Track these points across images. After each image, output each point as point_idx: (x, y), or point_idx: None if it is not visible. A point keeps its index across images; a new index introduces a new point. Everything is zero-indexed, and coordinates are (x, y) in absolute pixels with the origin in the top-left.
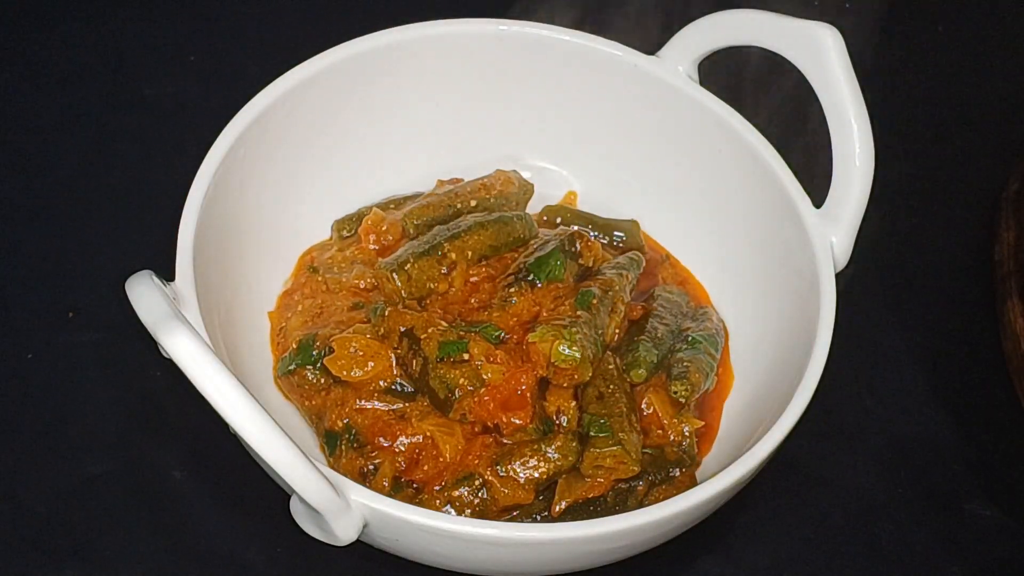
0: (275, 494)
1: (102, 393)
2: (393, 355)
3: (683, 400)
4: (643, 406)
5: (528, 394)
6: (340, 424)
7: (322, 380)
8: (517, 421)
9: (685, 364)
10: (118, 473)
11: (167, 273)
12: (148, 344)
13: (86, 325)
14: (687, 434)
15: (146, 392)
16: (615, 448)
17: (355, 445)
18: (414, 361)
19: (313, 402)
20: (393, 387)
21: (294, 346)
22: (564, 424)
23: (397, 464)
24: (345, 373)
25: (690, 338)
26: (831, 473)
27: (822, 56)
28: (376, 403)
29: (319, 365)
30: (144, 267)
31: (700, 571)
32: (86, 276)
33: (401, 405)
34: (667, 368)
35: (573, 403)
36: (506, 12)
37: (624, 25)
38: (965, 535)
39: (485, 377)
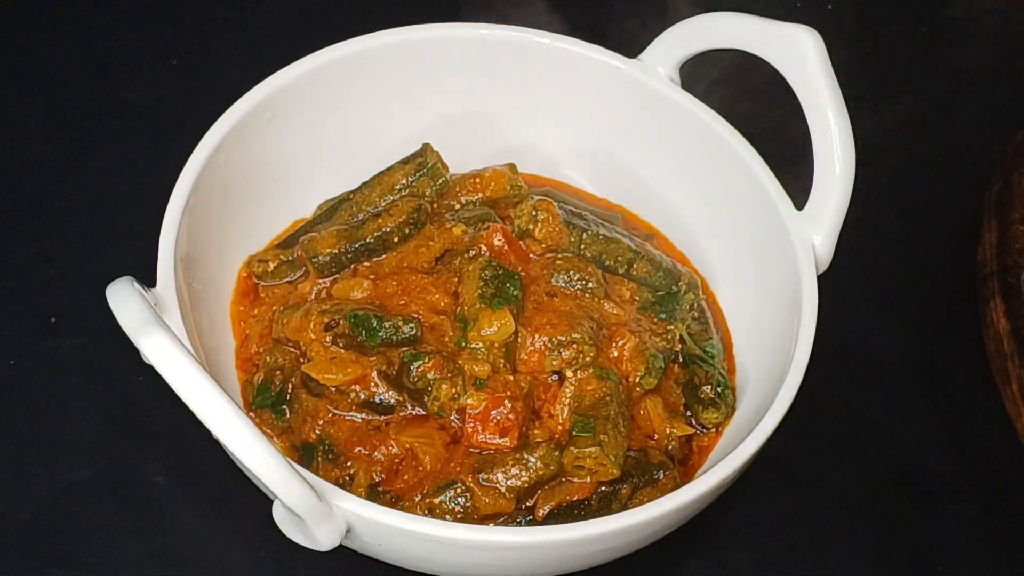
0: (259, 498)
1: (85, 398)
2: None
3: (711, 427)
4: (640, 411)
5: (515, 417)
6: (314, 436)
7: (281, 422)
8: (504, 441)
9: (709, 387)
10: (101, 478)
11: (149, 279)
12: (130, 350)
13: (69, 331)
14: (671, 437)
15: (129, 397)
16: (594, 449)
17: (330, 457)
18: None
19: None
20: (372, 400)
21: (254, 382)
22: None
23: (372, 473)
24: (324, 376)
25: (707, 351)
26: (816, 473)
27: (802, 59)
28: (353, 415)
29: (279, 408)
30: (126, 273)
31: (686, 573)
32: (68, 282)
33: (377, 418)
34: (691, 388)
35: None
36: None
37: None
38: (949, 535)
39: (470, 401)
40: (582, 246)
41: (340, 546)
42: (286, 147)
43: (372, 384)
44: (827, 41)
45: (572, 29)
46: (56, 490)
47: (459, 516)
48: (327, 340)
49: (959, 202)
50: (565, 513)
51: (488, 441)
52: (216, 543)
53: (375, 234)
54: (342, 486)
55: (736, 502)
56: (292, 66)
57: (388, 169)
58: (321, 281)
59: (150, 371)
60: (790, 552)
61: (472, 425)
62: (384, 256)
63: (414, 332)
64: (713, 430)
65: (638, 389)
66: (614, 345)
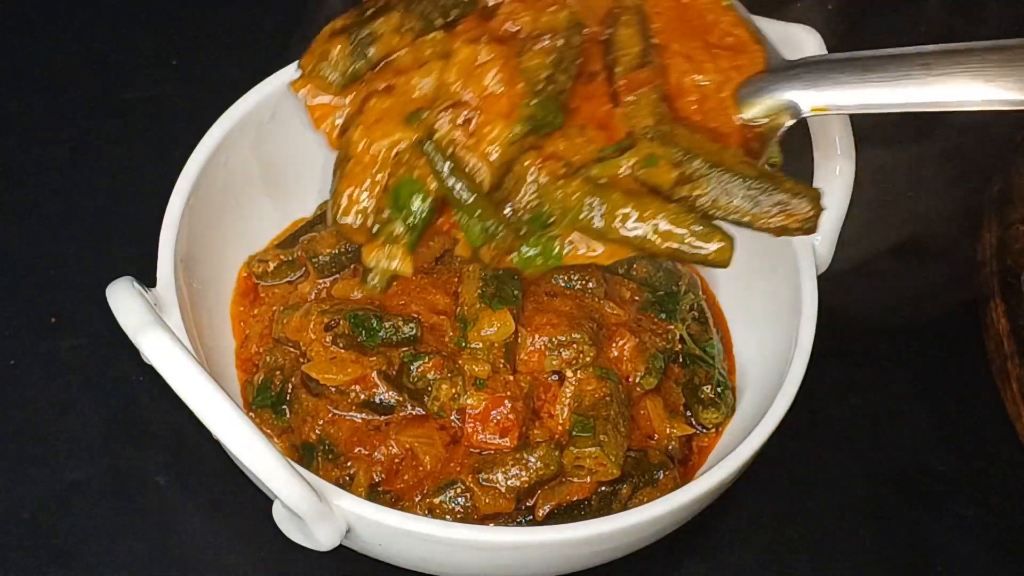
0: (259, 498)
1: (85, 399)
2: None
3: (711, 427)
4: (640, 411)
5: (515, 417)
6: (314, 436)
7: (281, 422)
8: (504, 441)
9: (709, 387)
10: (101, 479)
11: (149, 279)
12: (130, 350)
13: (69, 331)
14: (671, 437)
15: (129, 397)
16: (594, 449)
17: (330, 457)
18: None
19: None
20: (372, 400)
21: (254, 382)
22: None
23: (373, 473)
24: (324, 376)
25: (707, 351)
26: (815, 474)
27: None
28: (353, 415)
29: (279, 408)
30: (126, 273)
31: (686, 573)
32: (69, 282)
33: (377, 418)
34: (691, 388)
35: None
36: None
37: None
38: (948, 535)
39: (470, 401)
40: None
41: (340, 546)
42: (286, 147)
43: (372, 384)
44: (827, 41)
45: None
46: (56, 490)
47: (459, 516)
48: (327, 340)
49: (959, 202)
50: (565, 513)
51: (488, 441)
52: (216, 543)
53: None
54: (342, 486)
55: (736, 502)
56: (292, 66)
57: None
58: (321, 281)
59: (150, 371)
60: (790, 552)
61: (472, 425)
62: None
63: (414, 332)
64: (713, 430)
65: (638, 389)
66: (614, 345)
